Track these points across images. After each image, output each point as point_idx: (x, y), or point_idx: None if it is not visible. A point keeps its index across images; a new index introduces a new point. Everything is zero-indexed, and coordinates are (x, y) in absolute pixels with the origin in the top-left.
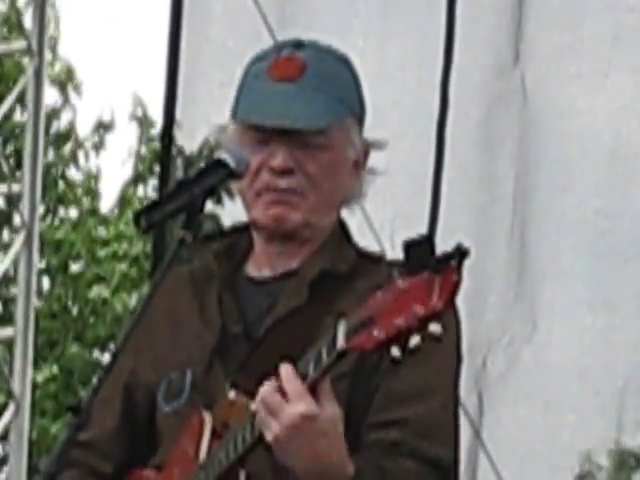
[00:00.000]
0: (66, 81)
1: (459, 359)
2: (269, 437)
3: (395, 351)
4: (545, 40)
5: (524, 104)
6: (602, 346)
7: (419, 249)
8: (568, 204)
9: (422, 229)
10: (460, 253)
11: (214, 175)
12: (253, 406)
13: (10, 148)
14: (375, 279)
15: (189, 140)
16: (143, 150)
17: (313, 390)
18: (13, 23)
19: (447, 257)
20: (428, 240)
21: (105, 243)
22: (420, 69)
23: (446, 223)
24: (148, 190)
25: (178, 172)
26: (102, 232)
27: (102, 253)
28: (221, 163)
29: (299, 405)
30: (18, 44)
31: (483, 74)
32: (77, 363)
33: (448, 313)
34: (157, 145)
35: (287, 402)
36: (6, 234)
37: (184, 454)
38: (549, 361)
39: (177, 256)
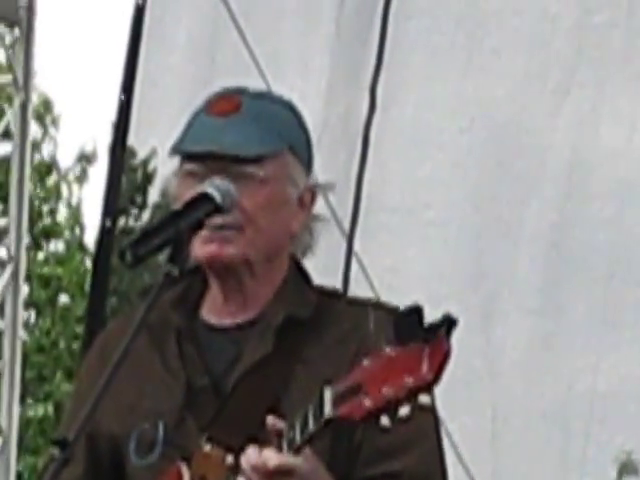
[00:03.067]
0: (44, 114)
1: (434, 405)
2: None
3: (385, 420)
4: (509, 59)
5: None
6: (549, 351)
7: (408, 318)
8: (526, 217)
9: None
10: (448, 322)
11: (200, 209)
12: (229, 459)
13: None
14: (342, 322)
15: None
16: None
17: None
18: None
19: (435, 327)
20: (417, 310)
21: None
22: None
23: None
24: (130, 221)
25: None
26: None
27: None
28: (207, 197)
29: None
30: (3, 78)
31: None
32: (66, 399)
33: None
34: (137, 175)
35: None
36: None
37: None
38: (501, 370)
39: (163, 290)
